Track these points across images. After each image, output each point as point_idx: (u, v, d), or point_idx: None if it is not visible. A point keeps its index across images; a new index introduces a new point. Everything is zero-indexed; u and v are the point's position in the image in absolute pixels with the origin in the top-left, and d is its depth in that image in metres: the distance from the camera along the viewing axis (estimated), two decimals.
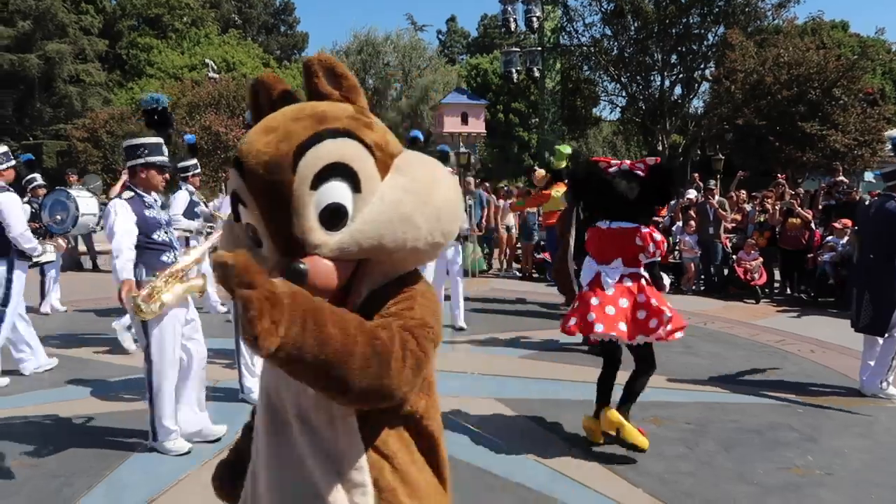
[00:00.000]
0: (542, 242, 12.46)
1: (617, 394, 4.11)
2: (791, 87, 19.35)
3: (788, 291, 10.13)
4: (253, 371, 4.79)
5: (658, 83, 25.17)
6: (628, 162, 4.18)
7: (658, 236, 4.01)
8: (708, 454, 4.08)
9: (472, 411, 4.73)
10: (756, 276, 9.74)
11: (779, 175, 12.34)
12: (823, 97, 19.36)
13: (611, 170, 4.15)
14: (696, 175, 15.39)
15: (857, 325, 5.40)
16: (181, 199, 6.92)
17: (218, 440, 4.15)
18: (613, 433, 3.97)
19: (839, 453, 4.10)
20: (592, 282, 4.05)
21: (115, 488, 3.59)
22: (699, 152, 25.30)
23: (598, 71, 25.95)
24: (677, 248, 10.77)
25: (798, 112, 19.33)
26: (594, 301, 3.92)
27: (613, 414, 3.95)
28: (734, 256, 10.21)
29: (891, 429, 4.57)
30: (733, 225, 11.10)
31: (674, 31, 23.69)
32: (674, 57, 24.64)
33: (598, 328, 3.84)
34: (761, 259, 9.87)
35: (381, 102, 38.16)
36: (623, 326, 3.83)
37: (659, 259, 4.23)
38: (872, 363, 5.29)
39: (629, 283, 3.96)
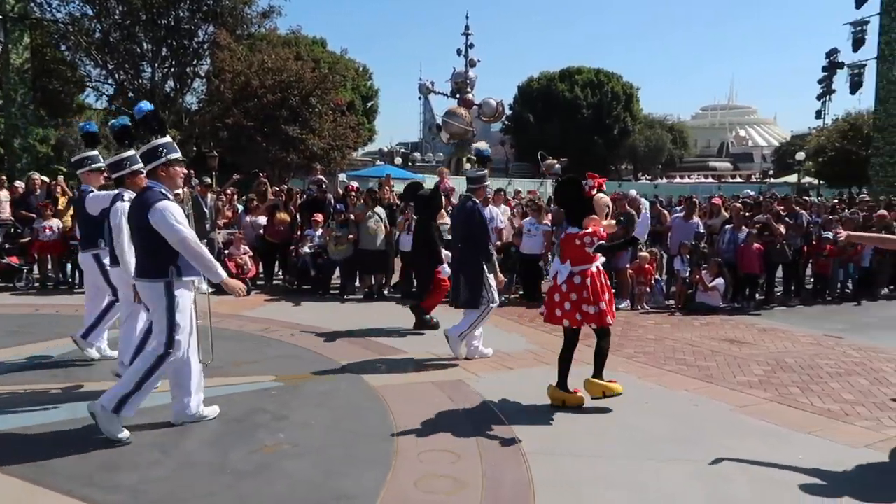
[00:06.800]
0: None
1: None
2: (275, 92, 20.97)
3: (278, 281, 10.95)
4: None
5: (149, 74, 24.13)
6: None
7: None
8: (187, 454, 4.04)
9: None
10: (247, 269, 10.27)
11: (261, 174, 13.20)
12: (303, 104, 21.58)
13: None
14: (192, 171, 15.31)
15: (457, 302, 6.48)
16: None
17: None
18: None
19: (306, 425, 4.54)
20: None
21: None
22: (195, 148, 25.30)
23: (78, 53, 23.40)
24: None
25: (282, 116, 21.09)
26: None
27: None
28: (227, 252, 10.49)
29: (348, 394, 5.30)
30: (226, 221, 11.43)
31: (163, 22, 23.03)
32: (165, 49, 23.96)
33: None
34: (251, 253, 10.49)
35: None
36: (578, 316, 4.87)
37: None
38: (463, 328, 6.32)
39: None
